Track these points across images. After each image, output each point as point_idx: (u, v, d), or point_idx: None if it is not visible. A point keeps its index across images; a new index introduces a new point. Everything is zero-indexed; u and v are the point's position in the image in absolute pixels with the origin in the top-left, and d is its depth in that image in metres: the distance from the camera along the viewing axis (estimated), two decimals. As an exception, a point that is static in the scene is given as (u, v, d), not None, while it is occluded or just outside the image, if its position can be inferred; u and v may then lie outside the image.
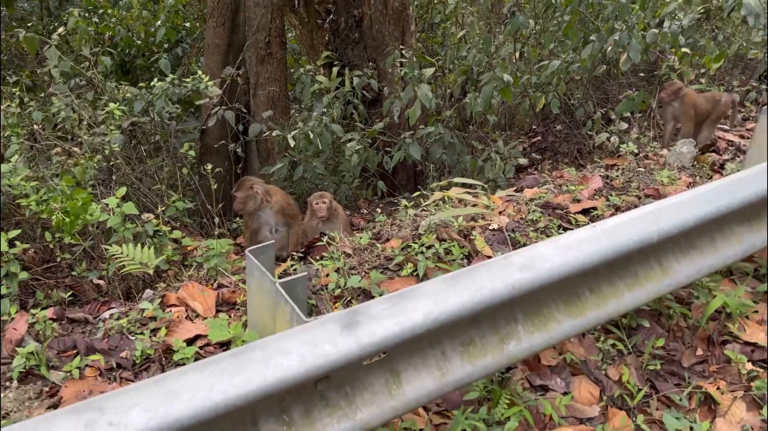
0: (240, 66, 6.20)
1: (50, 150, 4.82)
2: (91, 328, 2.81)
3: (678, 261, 2.44)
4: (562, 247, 2.05)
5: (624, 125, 5.19)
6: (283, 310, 1.79)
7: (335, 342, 1.65)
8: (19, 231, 3.32)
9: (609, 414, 2.36)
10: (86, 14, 8.25)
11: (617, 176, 3.94)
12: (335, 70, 5.78)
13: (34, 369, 2.44)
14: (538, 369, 2.53)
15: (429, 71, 5.11)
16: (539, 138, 7.45)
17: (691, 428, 2.29)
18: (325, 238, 3.19)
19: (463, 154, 5.55)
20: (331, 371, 1.67)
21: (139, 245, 3.28)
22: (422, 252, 3.11)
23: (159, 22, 8.41)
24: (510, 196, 3.91)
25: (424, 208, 3.57)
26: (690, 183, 3.83)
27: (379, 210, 4.75)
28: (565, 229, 3.33)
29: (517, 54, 6.21)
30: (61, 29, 5.97)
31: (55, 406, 2.29)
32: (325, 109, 5.52)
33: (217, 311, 2.79)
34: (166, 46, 8.62)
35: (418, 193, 3.76)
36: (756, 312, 2.88)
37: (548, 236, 3.29)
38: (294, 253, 3.12)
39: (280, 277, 2.96)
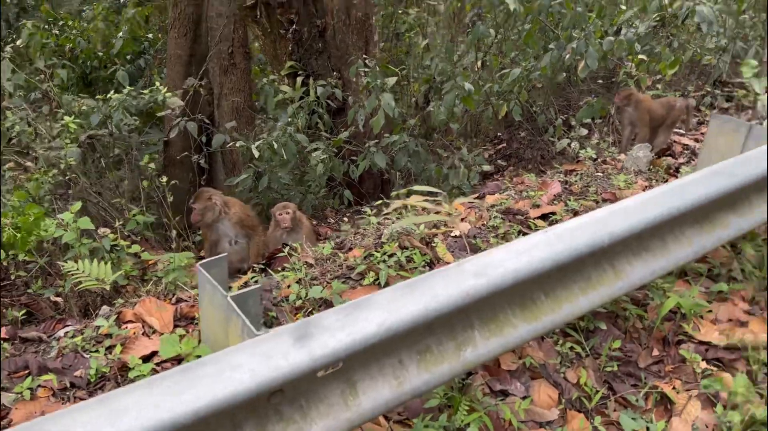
0: (203, 77, 6.15)
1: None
2: (45, 347, 2.74)
3: (630, 263, 2.49)
4: (515, 253, 2.07)
5: (584, 131, 5.30)
6: (235, 324, 1.77)
7: (287, 355, 1.63)
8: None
9: (568, 417, 2.38)
10: (46, 26, 8.09)
11: (576, 181, 4.02)
12: (299, 79, 5.78)
13: (-18, 392, 2.36)
14: (498, 374, 2.55)
15: (391, 80, 5.15)
16: (504, 145, 7.56)
17: (648, 428, 2.33)
18: (287, 249, 3.17)
19: (428, 162, 5.59)
20: (284, 384, 1.65)
21: (95, 261, 3.21)
22: (384, 261, 3.11)
23: (120, 34, 8.30)
24: (472, 202, 3.94)
25: (387, 217, 3.58)
26: (646, 186, 3.92)
27: (346, 219, 4.75)
28: (525, 234, 3.37)
29: (479, 63, 6.30)
30: (19, 41, 5.84)
31: (3, 429, 2.22)
32: (290, 119, 5.51)
33: (175, 326, 2.74)
34: (128, 57, 8.51)
35: (380, 201, 3.76)
36: (710, 311, 2.96)
37: (508, 242, 3.32)
38: (255, 265, 3.09)
39: (240, 289, 2.94)
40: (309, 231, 4.00)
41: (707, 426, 2.40)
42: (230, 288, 2.96)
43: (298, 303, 2.79)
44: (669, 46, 6.17)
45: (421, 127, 6.59)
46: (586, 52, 4.88)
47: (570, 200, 3.73)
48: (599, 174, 4.13)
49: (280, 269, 3.15)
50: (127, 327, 2.74)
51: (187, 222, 4.06)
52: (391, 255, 3.15)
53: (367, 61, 5.36)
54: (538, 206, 3.73)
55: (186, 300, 2.95)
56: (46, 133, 4.56)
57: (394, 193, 3.63)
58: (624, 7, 6.28)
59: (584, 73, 4.97)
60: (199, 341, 2.36)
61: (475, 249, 3.28)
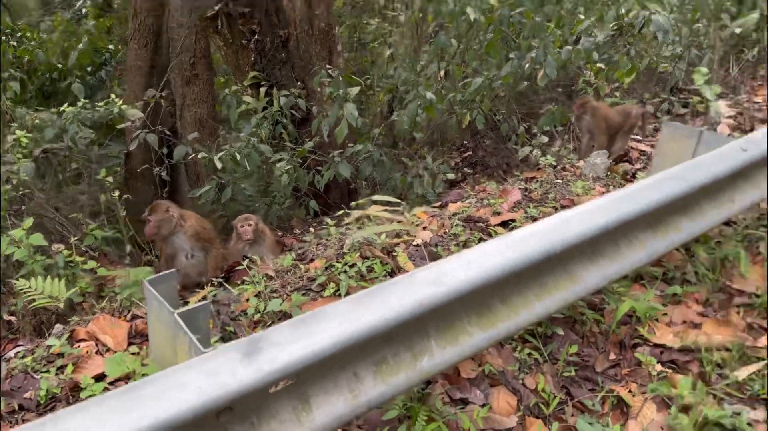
0: (164, 88, 6.08)
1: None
2: (-7, 369, 2.64)
3: (585, 269, 2.52)
4: (467, 262, 2.08)
5: (545, 139, 5.38)
6: (183, 341, 1.74)
7: (235, 372, 1.61)
8: None
9: (526, 424, 2.40)
10: (3, 38, 7.89)
11: (536, 188, 4.07)
12: (263, 90, 5.74)
13: (-76, 419, 2.27)
14: (457, 383, 2.55)
15: (354, 90, 5.16)
16: (470, 153, 7.63)
17: (604, 431, 2.36)
18: (246, 262, 3.14)
19: (393, 171, 5.61)
20: (233, 402, 1.62)
21: (48, 278, 3.13)
22: (345, 272, 3.10)
23: (80, 45, 8.15)
24: (435, 210, 3.96)
25: (349, 227, 3.57)
26: (603, 192, 3.99)
27: (312, 229, 4.72)
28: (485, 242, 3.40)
29: (443, 72, 6.35)
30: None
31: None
32: (253, 129, 5.47)
33: (130, 343, 2.68)
34: (89, 69, 8.36)
35: (341, 212, 3.75)
36: (665, 314, 3.01)
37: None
38: (213, 279, 3.04)
39: (198, 303, 2.89)
40: (272, 243, 3.96)
41: (662, 429, 2.43)
42: (187, 302, 2.91)
43: (257, 317, 2.75)
44: (626, 54, 6.32)
45: (386, 137, 6.61)
46: (545, 61, 4.96)
47: (530, 207, 3.78)
48: (559, 181, 4.19)
49: (239, 282, 3.11)
50: (80, 346, 2.67)
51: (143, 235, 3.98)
52: (352, 266, 3.14)
53: (330, 71, 5.36)
54: (498, 213, 3.77)
55: (142, 317, 2.89)
56: (-2, 148, 4.44)
57: (354, 204, 3.62)
58: (582, 17, 6.41)
59: (543, 82, 5.05)
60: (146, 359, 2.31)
61: (436, 258, 3.29)
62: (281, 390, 1.79)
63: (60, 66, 8.21)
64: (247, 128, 5.45)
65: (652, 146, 5.18)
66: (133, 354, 2.51)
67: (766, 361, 2.69)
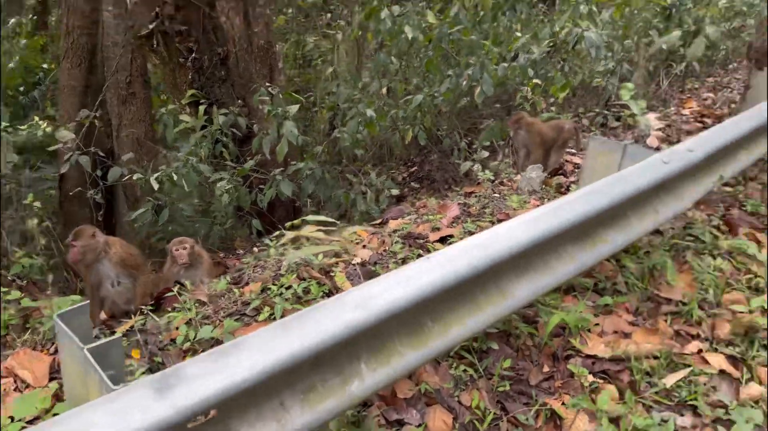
0: (99, 108, 5.89)
1: None
2: None
3: (515, 283, 2.55)
4: (394, 283, 2.08)
5: (486, 153, 5.47)
6: (93, 378, 1.66)
7: (147, 409, 1.54)
8: None
9: (462, 442, 2.39)
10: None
11: (474, 203, 4.12)
12: (202, 108, 5.64)
13: None
14: (394, 403, 2.53)
15: (294, 108, 5.13)
16: (416, 168, 7.70)
17: (538, 445, 2.38)
18: (176, 287, 3.04)
19: (337, 188, 5.59)
20: (145, 440, 1.55)
21: (-35, 312, 2.96)
22: (281, 294, 3.04)
23: (11, 64, 7.84)
24: (375, 228, 3.96)
25: (285, 248, 3.52)
26: (538, 206, 4.05)
27: (256, 249, 4.62)
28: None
29: (385, 89, 6.40)
30: None
31: None
32: (192, 148, 5.36)
33: (52, 379, 2.55)
34: (20, 89, 8.05)
35: (278, 232, 3.70)
36: (597, 325, 3.08)
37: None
38: (142, 307, 2.94)
39: (124, 335, 2.78)
40: (209, 266, 3.86)
41: (595, 439, 2.47)
42: (114, 332, 2.79)
43: (187, 345, 2.67)
44: (561, 70, 6.52)
45: (331, 154, 6.60)
46: (482, 78, 5.06)
47: (468, 222, 3.82)
48: (496, 195, 4.26)
49: (170, 309, 3.01)
50: (-5, 384, 2.52)
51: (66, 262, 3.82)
52: (288, 288, 3.09)
53: (269, 89, 5.32)
54: (438, 229, 3.79)
55: (65, 350, 2.76)
56: None
57: (288, 224, 3.57)
58: (519, 34, 6.59)
59: (480, 99, 5.15)
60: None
61: (374, 277, 3.27)
62: (202, 425, 1.72)
63: (-11, 86, 7.88)
64: (185, 147, 5.33)
65: (586, 159, 5.35)
66: (53, 390, 2.38)
67: (691, 368, 2.78)
